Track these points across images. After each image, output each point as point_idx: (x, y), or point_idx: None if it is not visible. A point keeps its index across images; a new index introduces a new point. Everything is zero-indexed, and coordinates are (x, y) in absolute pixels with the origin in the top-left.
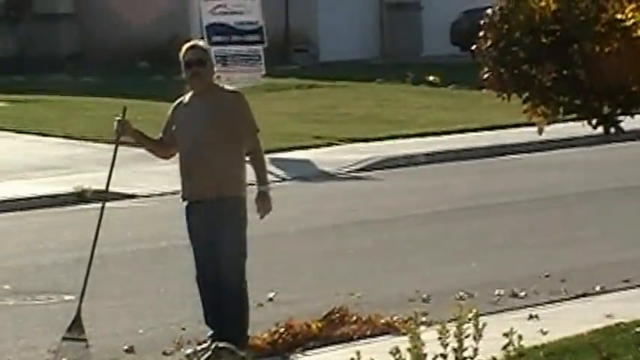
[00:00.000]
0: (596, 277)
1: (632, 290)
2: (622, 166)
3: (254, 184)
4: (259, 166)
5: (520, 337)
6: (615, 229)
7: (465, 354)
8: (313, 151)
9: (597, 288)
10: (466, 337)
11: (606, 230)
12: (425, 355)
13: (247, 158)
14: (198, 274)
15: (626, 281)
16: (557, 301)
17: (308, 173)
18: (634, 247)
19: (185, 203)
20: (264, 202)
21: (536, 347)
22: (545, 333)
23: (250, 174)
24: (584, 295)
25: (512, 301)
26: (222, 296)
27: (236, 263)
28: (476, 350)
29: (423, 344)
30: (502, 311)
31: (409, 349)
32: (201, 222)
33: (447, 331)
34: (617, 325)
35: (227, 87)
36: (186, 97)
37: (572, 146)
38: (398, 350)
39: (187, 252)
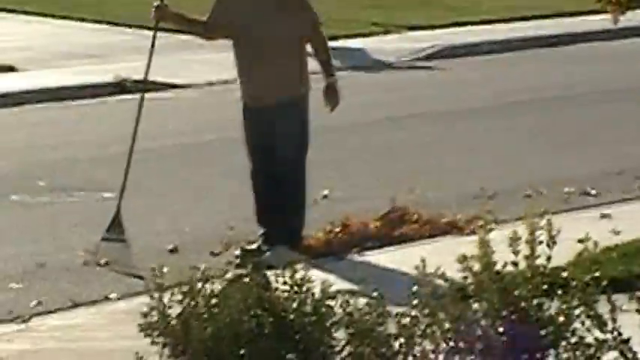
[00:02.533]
0: None
1: None
2: None
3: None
4: (325, 58)
5: (596, 244)
6: None
7: (538, 261)
8: (370, 39)
9: None
10: (540, 243)
11: None
12: (494, 262)
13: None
14: (253, 168)
15: None
16: (631, 199)
17: (364, 62)
18: None
19: (243, 101)
20: (333, 95)
21: (609, 248)
22: (617, 233)
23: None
24: None
25: (582, 199)
26: (278, 193)
27: (295, 158)
28: (549, 257)
29: (492, 252)
30: (572, 210)
31: (478, 257)
32: (261, 119)
33: (519, 237)
34: None
35: None
36: None
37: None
38: (465, 257)
39: (236, 146)
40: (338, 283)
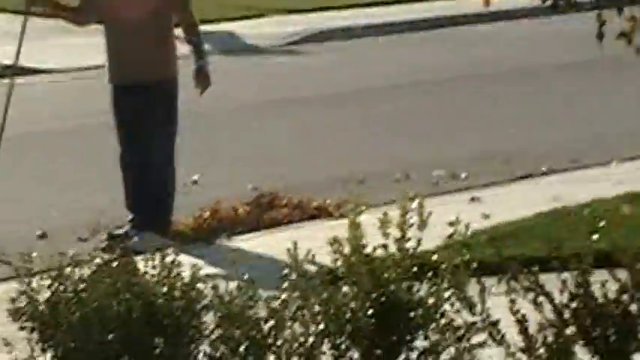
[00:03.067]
0: (541, 158)
1: (580, 171)
2: (571, 39)
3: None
4: (195, 40)
5: (467, 227)
6: (561, 107)
7: (408, 245)
8: (242, 23)
9: (543, 169)
10: (410, 226)
11: (552, 108)
12: (364, 245)
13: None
14: (122, 152)
15: (574, 161)
16: (500, 182)
17: (235, 47)
18: (580, 126)
19: (111, 85)
20: (203, 78)
21: (478, 232)
22: (487, 217)
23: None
24: (528, 177)
25: (452, 182)
26: (147, 178)
27: (164, 143)
28: (419, 240)
29: (362, 234)
30: (442, 194)
31: (348, 239)
32: (129, 102)
33: (389, 220)
34: (564, 208)
35: None
36: None
37: (517, 18)
38: (336, 240)
39: (108, 131)
40: (207, 268)
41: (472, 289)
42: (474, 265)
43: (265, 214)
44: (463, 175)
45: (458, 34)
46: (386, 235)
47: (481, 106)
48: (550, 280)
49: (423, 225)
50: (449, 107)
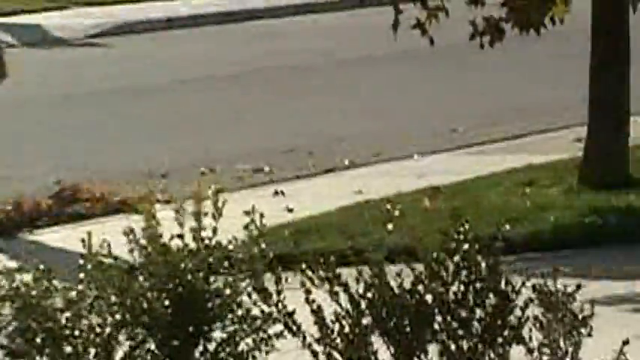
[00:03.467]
0: (345, 151)
1: (383, 165)
2: (372, 32)
3: None
4: None
5: (262, 215)
6: (364, 100)
7: (204, 234)
8: (44, 14)
9: (346, 162)
10: (205, 215)
11: (355, 101)
12: (160, 235)
13: None
14: None
15: (377, 155)
16: (304, 176)
17: (39, 39)
18: (383, 119)
19: None
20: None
21: (281, 225)
22: (291, 210)
23: None
24: (332, 170)
25: (256, 176)
26: None
27: None
28: (215, 230)
29: (158, 223)
30: (246, 187)
31: (143, 229)
32: None
33: (184, 210)
34: (366, 201)
35: None
36: None
37: (319, 12)
38: (132, 230)
39: None
40: (7, 261)
41: (270, 281)
42: (271, 255)
43: (68, 207)
44: (267, 169)
45: (256, 28)
46: (181, 225)
47: (286, 99)
48: (348, 273)
49: (218, 215)
50: (253, 101)
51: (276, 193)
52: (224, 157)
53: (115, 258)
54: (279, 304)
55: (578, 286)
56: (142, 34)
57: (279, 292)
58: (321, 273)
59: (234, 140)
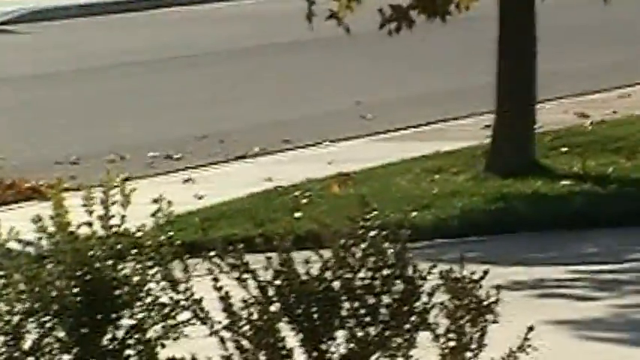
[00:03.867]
0: (255, 138)
1: (292, 152)
2: (282, 20)
3: None
4: None
5: (170, 203)
6: (273, 87)
7: (112, 221)
8: None
9: (256, 149)
10: (113, 203)
11: (265, 89)
12: (69, 222)
13: None
14: None
15: (286, 142)
16: (215, 163)
17: None
18: (293, 107)
19: None
20: None
21: (190, 213)
22: (200, 197)
23: None
24: (242, 157)
25: (167, 163)
26: None
27: None
28: (123, 217)
29: (67, 211)
30: (156, 175)
31: (52, 217)
32: None
33: (93, 198)
34: (276, 188)
35: None
36: None
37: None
38: (40, 218)
39: None
40: None
41: (179, 268)
42: (179, 243)
43: None
44: (177, 156)
45: (166, 15)
46: (90, 212)
47: (196, 87)
48: (256, 260)
49: (126, 202)
50: (162, 88)
51: (187, 180)
52: (134, 144)
53: (25, 244)
54: (187, 292)
55: (485, 273)
56: (52, 22)
57: (187, 280)
58: (230, 260)
59: (144, 127)
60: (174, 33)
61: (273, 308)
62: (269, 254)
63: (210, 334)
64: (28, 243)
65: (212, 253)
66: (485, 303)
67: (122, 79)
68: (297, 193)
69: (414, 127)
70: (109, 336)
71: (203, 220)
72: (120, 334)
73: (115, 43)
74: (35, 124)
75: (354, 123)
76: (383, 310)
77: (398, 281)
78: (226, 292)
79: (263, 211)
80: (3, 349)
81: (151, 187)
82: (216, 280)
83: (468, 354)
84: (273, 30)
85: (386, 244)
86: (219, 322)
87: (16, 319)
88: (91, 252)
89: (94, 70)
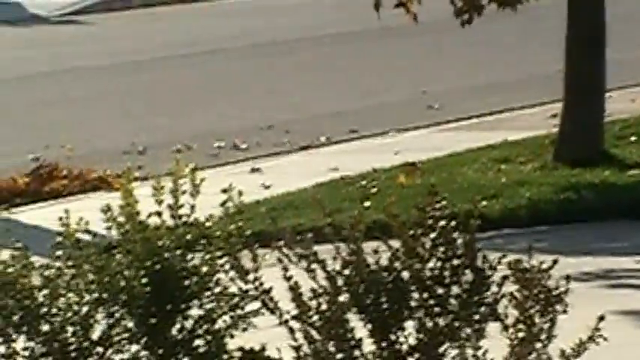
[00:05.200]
0: (320, 128)
1: (358, 142)
2: (347, 9)
3: None
4: None
5: (240, 193)
6: (340, 77)
7: (181, 211)
8: None
9: (322, 139)
10: (183, 193)
11: (331, 79)
12: (138, 212)
13: None
14: None
15: (353, 132)
16: (281, 153)
17: (17, 16)
18: (359, 96)
19: None
20: None
21: (257, 202)
22: (267, 187)
23: None
24: (308, 147)
25: (233, 153)
26: None
27: None
28: (193, 207)
29: (136, 201)
30: (223, 164)
31: (121, 207)
32: None
33: (162, 187)
34: (342, 178)
35: None
36: None
37: None
38: (109, 208)
39: None
40: None
41: (247, 258)
42: (248, 233)
43: (45, 185)
44: (244, 146)
45: (233, 5)
46: (159, 202)
47: (261, 77)
48: (325, 250)
49: (195, 192)
50: (227, 77)
51: (253, 170)
52: (201, 134)
53: (94, 235)
54: (256, 282)
55: (554, 263)
56: (120, 12)
57: (256, 270)
58: (298, 250)
59: (211, 117)
60: (239, 22)
61: (342, 298)
62: (337, 244)
63: (279, 325)
64: (97, 234)
65: (280, 243)
66: (554, 293)
67: (187, 69)
68: (364, 183)
69: (480, 116)
70: (177, 326)
71: (270, 210)
72: (189, 324)
73: (178, 33)
74: (102, 114)
75: (420, 112)
76: (452, 301)
77: (467, 271)
78: (295, 282)
79: (330, 201)
80: (72, 339)
81: (218, 177)
82: (285, 269)
83: (538, 344)
84: (340, 19)
85: (455, 234)
86: (288, 312)
87: (85, 309)
88: (160, 242)
89: (159, 60)
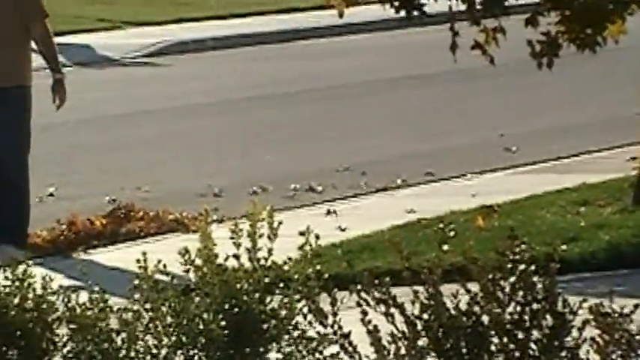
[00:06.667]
0: (397, 170)
1: (435, 184)
2: (423, 51)
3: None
4: (51, 53)
5: (317, 237)
6: (416, 118)
7: (259, 254)
8: (96, 35)
9: (399, 181)
10: (260, 236)
11: (408, 121)
12: (216, 255)
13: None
14: None
15: (429, 174)
16: (357, 195)
17: (90, 59)
18: (436, 139)
19: None
20: (60, 92)
21: (334, 245)
22: (343, 229)
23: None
24: (384, 190)
25: (309, 195)
26: (1, 190)
27: (18, 156)
28: (270, 250)
29: (214, 244)
30: (298, 207)
31: (199, 250)
32: None
33: (240, 230)
34: (419, 221)
35: None
36: None
37: (374, 30)
38: (187, 251)
39: None
40: (62, 281)
41: (325, 301)
42: (326, 276)
43: (122, 226)
44: (320, 188)
45: (309, 47)
46: (237, 245)
47: (337, 118)
48: (403, 293)
49: (273, 235)
50: (305, 119)
51: (329, 212)
52: (276, 176)
53: (172, 277)
54: (335, 325)
55: (635, 307)
56: (193, 54)
57: (334, 313)
58: (376, 294)
59: (286, 159)
60: (314, 64)
61: (421, 342)
62: (416, 287)
63: None
64: (175, 275)
65: (359, 287)
66: (636, 337)
67: (262, 111)
68: (441, 226)
69: (558, 158)
70: None
71: (346, 252)
72: None
73: (253, 75)
74: (177, 155)
75: (497, 155)
76: (532, 345)
77: (547, 316)
78: (374, 326)
79: (407, 244)
80: None
81: (294, 219)
82: (364, 313)
83: None
84: (415, 61)
85: (535, 278)
86: (367, 357)
87: (163, 352)
88: (239, 285)
89: (234, 102)
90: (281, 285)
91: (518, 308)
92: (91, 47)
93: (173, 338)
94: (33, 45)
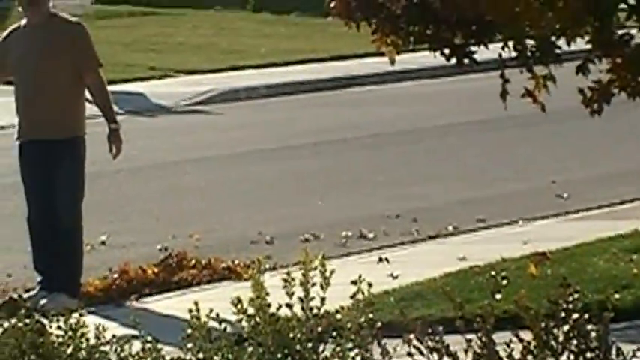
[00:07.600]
0: (448, 217)
1: (487, 231)
2: (473, 98)
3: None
4: (106, 103)
5: (370, 285)
6: (467, 166)
7: (312, 303)
8: (148, 83)
9: (450, 228)
10: (312, 284)
11: (458, 167)
12: (269, 304)
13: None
14: (29, 215)
15: (481, 221)
16: (408, 242)
17: (142, 107)
18: (488, 185)
19: (19, 142)
20: (116, 141)
21: (386, 292)
22: (395, 277)
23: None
24: (436, 237)
25: (360, 242)
26: (56, 239)
27: (72, 204)
28: (323, 299)
29: (267, 293)
30: (350, 254)
31: (251, 299)
32: (37, 162)
33: (292, 279)
34: (471, 268)
35: (68, 17)
36: (21, 27)
37: (424, 77)
38: (240, 300)
39: (13, 192)
40: (115, 329)
41: (377, 350)
42: (379, 324)
43: (174, 274)
44: (371, 235)
45: (359, 94)
46: (289, 294)
47: (387, 165)
48: (455, 341)
49: (325, 283)
50: (356, 166)
51: (380, 259)
52: (328, 223)
53: (225, 326)
54: None
55: None
56: (245, 101)
57: None
58: (429, 342)
59: (338, 206)
60: (364, 111)
61: None
62: (468, 336)
63: None
64: (227, 324)
65: (411, 336)
66: None
67: (313, 158)
68: (493, 273)
69: (610, 205)
70: None
71: (399, 300)
72: None
73: (304, 122)
74: (228, 203)
75: (549, 202)
76: None
77: None
78: None
79: (459, 291)
80: None
81: (345, 266)
82: None
83: None
84: (465, 108)
85: (588, 326)
86: None
87: None
88: (291, 334)
89: (284, 149)
90: (334, 334)
91: (572, 357)
92: (144, 95)
93: None
94: (87, 94)
